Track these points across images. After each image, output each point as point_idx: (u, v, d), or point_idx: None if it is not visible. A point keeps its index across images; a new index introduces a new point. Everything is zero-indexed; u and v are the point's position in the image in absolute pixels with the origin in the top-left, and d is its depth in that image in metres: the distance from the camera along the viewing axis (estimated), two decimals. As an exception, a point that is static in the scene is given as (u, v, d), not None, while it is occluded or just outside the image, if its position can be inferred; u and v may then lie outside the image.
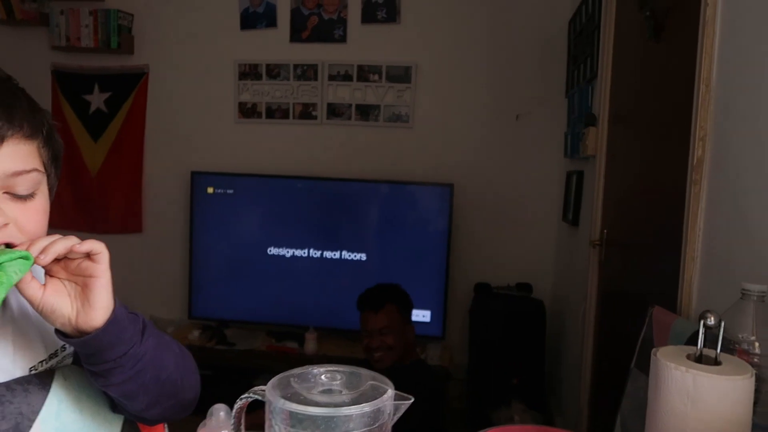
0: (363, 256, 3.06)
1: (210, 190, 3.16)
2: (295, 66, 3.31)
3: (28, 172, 0.68)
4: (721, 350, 0.81)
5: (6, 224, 0.66)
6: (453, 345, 3.07)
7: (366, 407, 0.66)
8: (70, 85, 3.51)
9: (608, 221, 2.07)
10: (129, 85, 3.46)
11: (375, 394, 0.68)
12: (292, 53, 3.30)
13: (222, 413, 0.89)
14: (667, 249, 1.46)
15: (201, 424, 0.89)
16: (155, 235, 3.43)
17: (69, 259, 0.68)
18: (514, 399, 2.50)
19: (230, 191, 3.15)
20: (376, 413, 0.67)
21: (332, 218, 3.11)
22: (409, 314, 2.23)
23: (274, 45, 3.30)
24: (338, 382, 0.71)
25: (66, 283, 0.68)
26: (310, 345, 2.98)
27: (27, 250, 0.65)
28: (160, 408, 0.79)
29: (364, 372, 0.74)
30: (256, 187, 3.17)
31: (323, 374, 0.72)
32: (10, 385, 0.69)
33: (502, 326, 2.73)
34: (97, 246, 0.67)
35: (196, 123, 3.39)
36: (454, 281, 3.06)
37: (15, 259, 0.63)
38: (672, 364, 0.80)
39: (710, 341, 0.82)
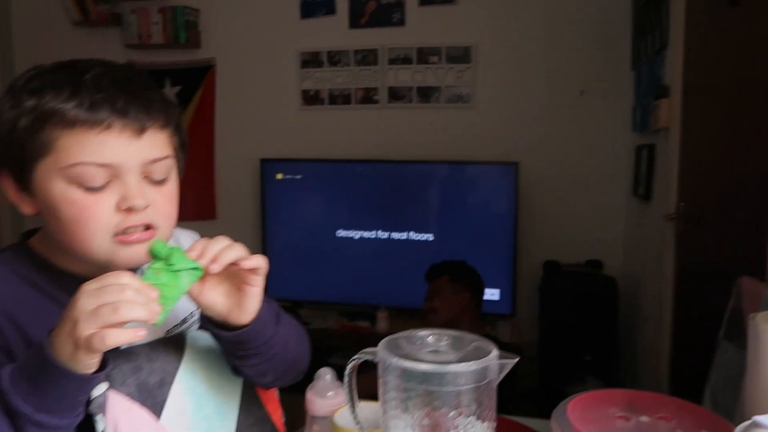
0: (430, 237, 3.10)
1: (279, 176, 3.26)
2: (355, 52, 3.36)
3: (164, 159, 0.75)
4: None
5: (147, 206, 0.73)
6: (523, 323, 3.08)
7: (474, 365, 0.70)
8: (143, 81, 3.68)
9: (685, 194, 2.03)
10: (198, 78, 3.60)
11: (480, 354, 0.73)
12: (351, 39, 3.35)
13: (328, 376, 0.95)
14: (752, 219, 1.43)
15: (309, 387, 0.96)
16: (228, 221, 3.58)
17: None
18: (588, 376, 2.49)
19: (298, 177, 3.25)
20: (484, 370, 0.71)
21: (398, 200, 3.16)
22: (464, 286, 2.35)
23: (333, 32, 3.36)
24: (444, 343, 0.76)
25: (222, 281, 0.75)
26: (382, 324, 3.05)
27: (200, 259, 0.70)
28: (281, 380, 0.90)
29: (467, 335, 0.78)
30: (322, 172, 3.25)
31: (429, 336, 0.77)
32: (154, 345, 0.78)
33: (573, 303, 2.72)
34: (260, 262, 0.74)
35: (262, 112, 3.50)
36: (523, 259, 3.06)
37: (189, 269, 0.69)
38: (772, 327, 0.81)
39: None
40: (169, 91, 3.64)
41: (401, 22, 3.28)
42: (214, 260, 0.70)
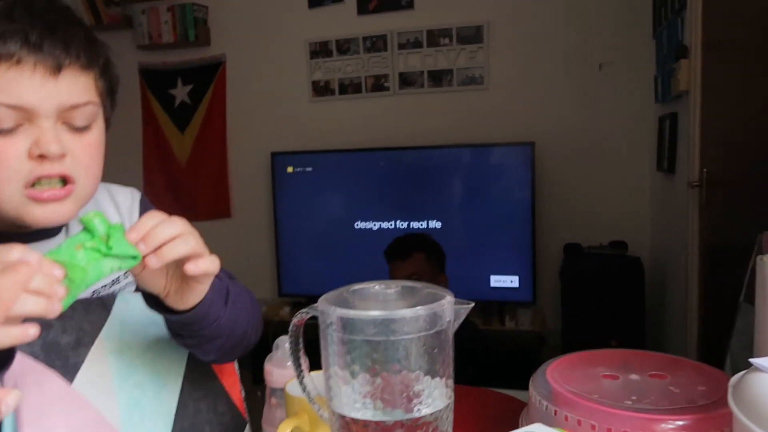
0: (448, 224, 2.98)
1: (289, 169, 3.21)
2: (365, 39, 3.28)
3: (85, 105, 0.67)
4: None
5: (64, 155, 0.65)
6: (545, 310, 2.94)
7: (421, 310, 0.61)
8: (155, 81, 3.69)
9: (708, 159, 1.89)
10: (209, 76, 3.58)
11: (431, 300, 0.63)
12: (360, 26, 3.28)
13: (287, 345, 0.87)
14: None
15: (267, 358, 0.87)
16: (243, 218, 3.55)
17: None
18: (613, 360, 2.35)
19: (309, 169, 3.19)
20: (433, 317, 0.61)
21: (413, 188, 3.06)
22: (441, 265, 2.11)
23: (342, 20, 3.30)
24: (392, 291, 0.67)
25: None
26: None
27: (140, 243, 0.57)
28: (227, 357, 0.82)
29: (421, 284, 0.69)
30: (333, 162, 3.18)
31: (376, 286, 0.68)
32: (72, 304, 0.70)
33: (596, 287, 2.58)
34: (210, 267, 0.62)
35: (273, 106, 3.46)
36: (542, 243, 2.92)
37: (127, 257, 0.57)
38: (783, 265, 0.69)
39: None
40: (182, 91, 3.64)
41: (410, 5, 3.20)
42: (155, 252, 0.58)
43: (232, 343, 0.77)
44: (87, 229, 0.56)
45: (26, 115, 0.63)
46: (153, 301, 0.67)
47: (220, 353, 0.78)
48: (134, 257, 0.57)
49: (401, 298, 0.66)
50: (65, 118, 0.66)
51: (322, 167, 3.19)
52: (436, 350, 0.63)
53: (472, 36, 3.11)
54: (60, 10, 0.69)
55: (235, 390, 0.88)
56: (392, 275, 2.08)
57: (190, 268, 0.60)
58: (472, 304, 0.64)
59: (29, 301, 0.49)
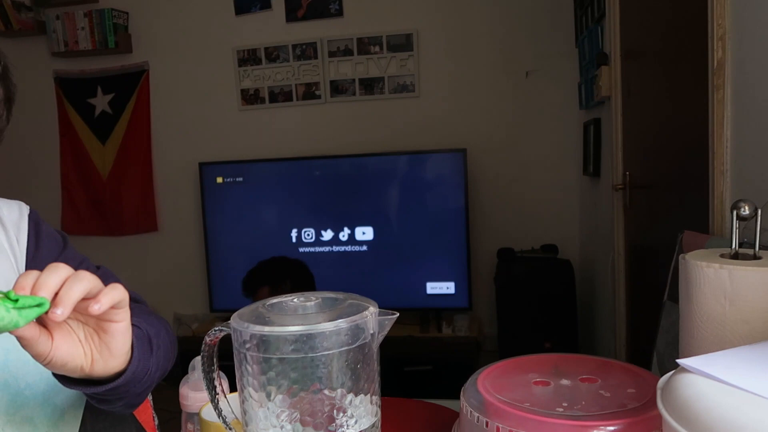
0: (383, 232, 2.95)
1: (219, 179, 3.10)
2: (294, 46, 3.23)
3: None
4: (759, 244, 0.70)
5: None
6: (481, 315, 2.96)
7: (342, 323, 0.57)
8: (73, 90, 3.49)
9: (630, 163, 1.95)
10: (131, 84, 3.42)
11: (353, 311, 0.59)
12: (289, 33, 3.22)
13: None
14: (694, 176, 1.34)
15: (183, 380, 0.81)
16: (171, 231, 3.39)
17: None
18: (548, 362, 2.38)
19: (239, 179, 3.09)
20: (356, 330, 0.57)
21: (346, 197, 3.01)
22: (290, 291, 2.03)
23: (270, 27, 3.23)
24: (312, 303, 0.63)
25: (73, 323, 0.55)
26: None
27: (43, 296, 0.50)
28: (138, 401, 0.74)
29: (344, 295, 0.65)
30: (264, 172, 3.10)
31: (294, 299, 0.64)
32: None
33: (529, 291, 2.61)
34: (117, 295, 0.54)
35: (200, 114, 3.34)
36: (476, 249, 2.94)
37: (32, 306, 0.49)
38: (704, 263, 0.70)
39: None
40: (102, 100, 3.46)
41: (339, 13, 3.17)
42: (60, 305, 0.50)
43: (145, 392, 0.70)
44: None
45: None
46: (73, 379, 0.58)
47: (130, 404, 0.71)
48: (39, 305, 0.49)
49: (321, 311, 0.62)
50: None
51: (253, 177, 3.10)
52: (359, 365, 0.59)
53: (401, 44, 3.12)
54: None
55: (147, 417, 0.80)
56: None
57: (95, 307, 0.51)
58: (397, 315, 0.60)
59: None
